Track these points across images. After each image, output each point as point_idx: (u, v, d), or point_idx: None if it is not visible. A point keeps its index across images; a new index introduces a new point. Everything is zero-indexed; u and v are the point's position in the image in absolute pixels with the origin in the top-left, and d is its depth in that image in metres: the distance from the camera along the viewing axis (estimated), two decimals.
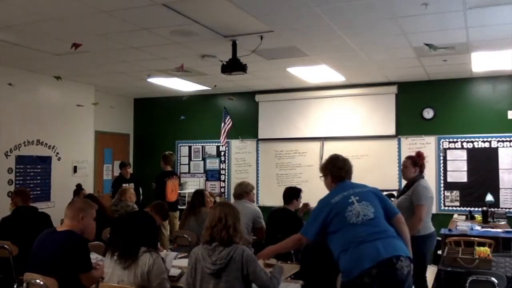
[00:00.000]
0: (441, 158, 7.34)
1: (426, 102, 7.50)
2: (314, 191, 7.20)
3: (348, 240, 2.92)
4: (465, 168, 7.22)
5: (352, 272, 2.84)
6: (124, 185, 7.02)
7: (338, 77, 7.21)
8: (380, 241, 2.87)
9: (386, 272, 2.78)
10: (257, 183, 8.43)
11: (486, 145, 7.12)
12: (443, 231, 5.65)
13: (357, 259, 2.84)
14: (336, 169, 3.27)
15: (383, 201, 3.11)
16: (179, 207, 7.67)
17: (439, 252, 5.69)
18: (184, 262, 3.87)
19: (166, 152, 7.75)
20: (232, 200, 8.35)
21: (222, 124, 8.18)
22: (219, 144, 8.76)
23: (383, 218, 3.01)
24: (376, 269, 2.77)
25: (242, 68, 5.22)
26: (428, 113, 7.48)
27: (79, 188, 7.15)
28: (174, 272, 3.48)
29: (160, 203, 5.07)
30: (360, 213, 2.96)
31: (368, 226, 2.92)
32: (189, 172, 9.18)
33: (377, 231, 2.92)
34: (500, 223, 6.18)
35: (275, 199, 7.30)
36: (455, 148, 7.30)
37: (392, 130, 7.64)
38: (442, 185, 7.32)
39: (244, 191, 5.33)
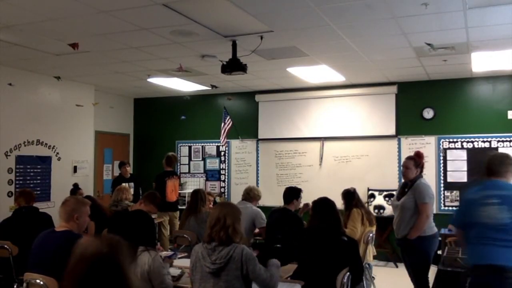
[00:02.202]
0: (441, 158, 7.34)
1: (426, 102, 7.50)
2: (314, 191, 7.29)
3: (474, 236, 3.14)
4: (465, 168, 7.21)
5: (469, 261, 3.19)
6: (123, 184, 7.01)
7: (338, 77, 7.20)
8: (491, 247, 3.01)
9: (486, 276, 3.00)
10: (257, 183, 8.42)
11: (486, 145, 7.11)
12: (443, 231, 5.65)
13: (471, 255, 3.16)
14: (485, 166, 3.34)
15: None
16: (179, 207, 7.68)
17: (439, 252, 5.69)
18: (184, 262, 3.88)
19: (170, 154, 7.75)
20: (232, 199, 8.40)
21: (222, 124, 8.17)
22: (219, 144, 8.75)
23: None
24: (478, 270, 3.06)
25: (242, 68, 5.21)
26: (428, 113, 7.48)
27: (75, 187, 7.13)
28: (174, 272, 3.48)
29: (152, 192, 5.07)
30: (494, 215, 3.03)
31: (498, 231, 3.01)
32: (189, 172, 9.17)
33: (500, 237, 3.00)
34: None
35: (275, 199, 7.31)
36: (455, 148, 7.29)
37: (392, 130, 7.64)
38: (442, 185, 7.32)
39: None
